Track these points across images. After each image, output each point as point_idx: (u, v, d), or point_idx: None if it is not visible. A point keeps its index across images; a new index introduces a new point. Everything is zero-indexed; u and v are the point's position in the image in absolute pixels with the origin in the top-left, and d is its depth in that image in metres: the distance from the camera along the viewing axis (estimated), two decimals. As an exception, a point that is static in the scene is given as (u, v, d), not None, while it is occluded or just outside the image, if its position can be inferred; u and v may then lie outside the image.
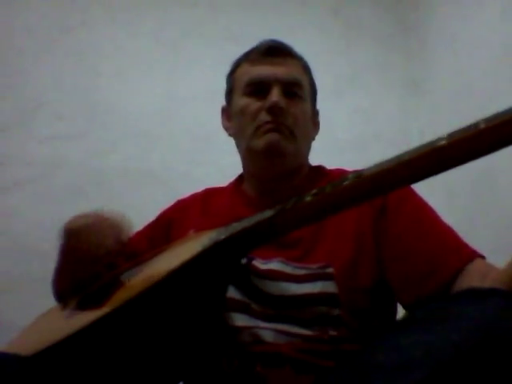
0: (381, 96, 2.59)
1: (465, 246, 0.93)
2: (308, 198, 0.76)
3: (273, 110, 1.01)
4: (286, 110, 1.02)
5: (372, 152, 2.34)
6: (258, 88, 1.04)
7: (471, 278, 0.86)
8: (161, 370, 0.80)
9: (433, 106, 2.46)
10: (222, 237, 0.82)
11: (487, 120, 0.62)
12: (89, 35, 2.31)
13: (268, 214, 0.79)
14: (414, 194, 1.01)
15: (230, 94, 1.11)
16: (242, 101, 1.05)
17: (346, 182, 0.73)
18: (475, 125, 0.63)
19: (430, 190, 2.44)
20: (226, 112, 1.13)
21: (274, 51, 1.06)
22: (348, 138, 2.43)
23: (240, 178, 1.15)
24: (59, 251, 0.98)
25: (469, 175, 2.28)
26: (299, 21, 2.56)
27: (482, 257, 0.91)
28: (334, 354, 0.89)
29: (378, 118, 2.54)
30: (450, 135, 0.64)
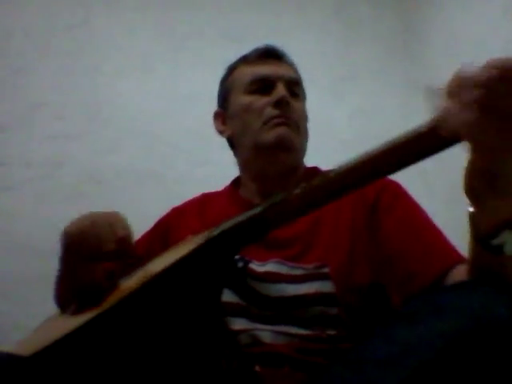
0: (381, 96, 2.59)
1: (452, 249, 0.92)
2: (297, 191, 0.77)
3: (281, 103, 1.02)
4: (292, 105, 1.03)
5: (372, 152, 2.33)
6: (263, 85, 1.05)
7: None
8: (159, 369, 0.81)
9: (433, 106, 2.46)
10: (215, 233, 0.82)
11: None
12: (89, 35, 2.31)
13: (259, 209, 0.80)
14: (405, 195, 1.01)
15: (226, 97, 1.11)
16: (244, 99, 1.06)
17: (332, 174, 0.74)
18: None
19: (430, 190, 2.45)
20: (221, 116, 1.13)
21: (272, 53, 1.09)
22: (348, 138, 2.42)
23: (236, 183, 1.15)
24: (60, 257, 0.97)
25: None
26: (299, 21, 2.56)
27: None
28: (333, 353, 0.89)
29: (378, 118, 2.54)
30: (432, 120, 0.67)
